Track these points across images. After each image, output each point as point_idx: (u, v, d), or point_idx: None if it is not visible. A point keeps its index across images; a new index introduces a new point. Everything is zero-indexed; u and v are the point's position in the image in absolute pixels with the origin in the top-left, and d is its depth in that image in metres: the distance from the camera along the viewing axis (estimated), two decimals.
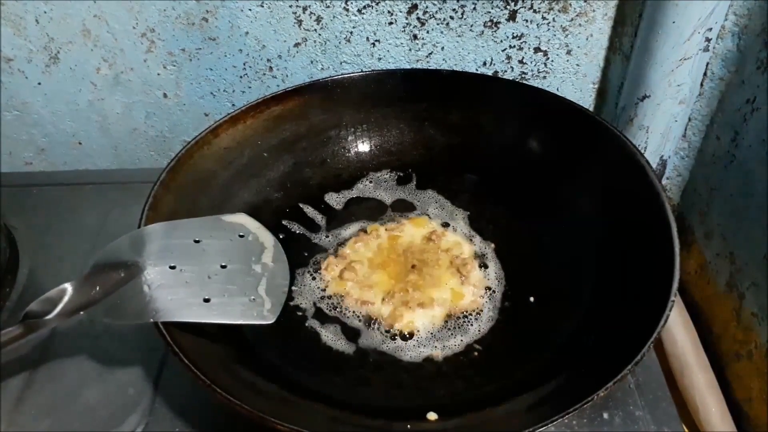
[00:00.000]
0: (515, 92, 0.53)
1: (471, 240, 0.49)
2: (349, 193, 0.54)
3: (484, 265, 0.48)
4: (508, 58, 0.57)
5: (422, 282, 0.46)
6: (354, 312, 0.45)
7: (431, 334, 0.43)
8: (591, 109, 0.61)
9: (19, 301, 0.48)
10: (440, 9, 0.54)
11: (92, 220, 0.55)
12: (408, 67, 0.58)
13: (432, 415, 0.38)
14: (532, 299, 0.45)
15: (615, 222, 0.45)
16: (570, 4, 0.53)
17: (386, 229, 0.50)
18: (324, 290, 0.47)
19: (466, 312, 0.44)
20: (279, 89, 0.52)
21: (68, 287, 0.37)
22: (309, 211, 0.52)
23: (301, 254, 0.49)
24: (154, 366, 0.43)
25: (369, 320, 0.44)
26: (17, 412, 0.41)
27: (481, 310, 0.44)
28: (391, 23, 0.55)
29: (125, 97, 0.61)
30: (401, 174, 0.55)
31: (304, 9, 0.54)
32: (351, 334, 0.44)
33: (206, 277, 0.41)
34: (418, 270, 0.47)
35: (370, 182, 0.55)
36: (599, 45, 0.56)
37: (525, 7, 0.54)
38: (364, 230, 0.51)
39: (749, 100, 0.49)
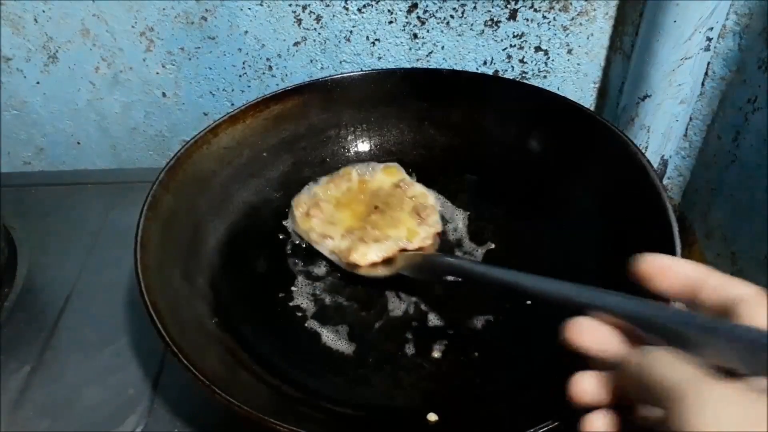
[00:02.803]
0: (516, 92, 0.53)
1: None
2: None
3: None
4: (509, 57, 0.57)
5: (382, 222, 0.48)
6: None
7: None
8: (592, 108, 0.60)
9: (18, 300, 0.48)
10: (440, 8, 0.54)
11: (91, 219, 0.55)
12: (408, 66, 0.58)
13: (432, 416, 0.38)
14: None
15: (616, 222, 0.45)
16: (571, 3, 0.53)
17: (358, 173, 0.52)
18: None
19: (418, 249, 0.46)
20: (278, 89, 0.52)
21: None
22: None
23: (301, 254, 0.49)
24: (154, 366, 0.43)
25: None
26: (17, 412, 0.41)
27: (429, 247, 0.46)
28: (391, 22, 0.55)
29: (124, 96, 0.61)
30: None
31: (304, 8, 0.54)
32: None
33: None
34: (381, 211, 0.48)
35: None
36: (600, 44, 0.56)
37: (525, 6, 0.53)
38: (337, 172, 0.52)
39: (750, 100, 0.49)
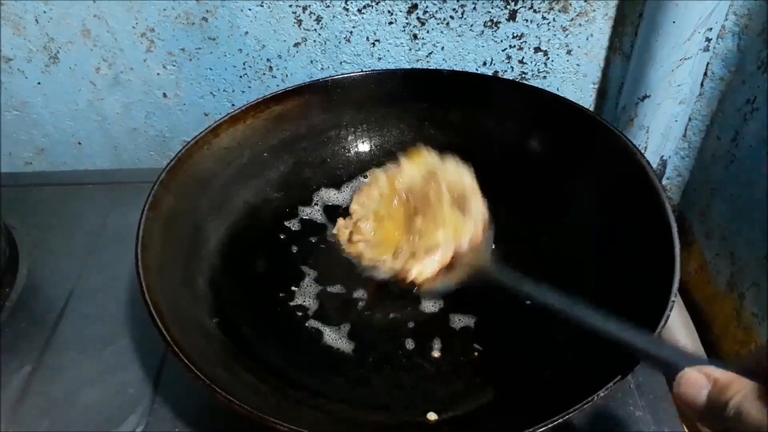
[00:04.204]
0: (515, 92, 0.53)
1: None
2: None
3: None
4: (509, 57, 0.57)
5: (426, 227, 0.43)
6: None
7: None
8: (591, 109, 0.60)
9: (19, 301, 0.48)
10: (440, 9, 0.54)
11: (92, 220, 0.55)
12: (408, 67, 0.58)
13: (432, 415, 0.38)
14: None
15: (615, 222, 0.45)
16: (570, 4, 0.53)
17: (385, 172, 0.47)
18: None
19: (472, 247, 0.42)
20: (279, 89, 0.52)
21: None
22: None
23: (301, 254, 0.49)
24: (154, 366, 0.43)
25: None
26: (17, 412, 0.41)
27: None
28: (391, 23, 0.55)
29: (125, 96, 0.61)
30: None
31: (304, 9, 0.54)
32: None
33: None
34: (422, 214, 0.44)
35: None
36: (599, 45, 0.56)
37: (525, 7, 0.53)
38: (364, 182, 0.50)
39: (749, 100, 0.49)
